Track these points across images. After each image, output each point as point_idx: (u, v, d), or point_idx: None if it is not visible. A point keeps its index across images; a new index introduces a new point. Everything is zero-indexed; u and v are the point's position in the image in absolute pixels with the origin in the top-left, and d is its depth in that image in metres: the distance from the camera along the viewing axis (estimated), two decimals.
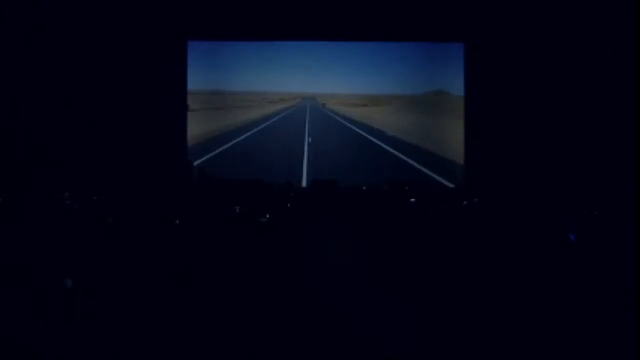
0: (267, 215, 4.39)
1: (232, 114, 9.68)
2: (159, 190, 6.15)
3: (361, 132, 10.35)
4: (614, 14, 7.10)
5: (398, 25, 8.10)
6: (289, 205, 5.26)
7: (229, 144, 9.47)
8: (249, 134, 9.90)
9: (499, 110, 7.99)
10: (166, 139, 8.00)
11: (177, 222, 4.17)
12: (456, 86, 8.82)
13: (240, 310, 2.65)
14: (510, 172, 7.56)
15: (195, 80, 8.81)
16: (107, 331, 2.44)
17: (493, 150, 7.99)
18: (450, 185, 8.45)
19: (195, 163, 8.43)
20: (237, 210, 4.74)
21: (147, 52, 7.81)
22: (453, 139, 8.80)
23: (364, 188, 7.05)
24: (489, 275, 2.97)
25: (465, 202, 5.81)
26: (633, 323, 2.36)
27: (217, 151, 9.23)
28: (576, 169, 7.18)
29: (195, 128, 8.92)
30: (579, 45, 7.50)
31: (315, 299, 2.77)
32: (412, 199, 5.61)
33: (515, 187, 6.74)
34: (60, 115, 7.45)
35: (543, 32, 7.62)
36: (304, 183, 8.52)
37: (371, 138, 9.97)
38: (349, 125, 10.75)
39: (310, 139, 9.78)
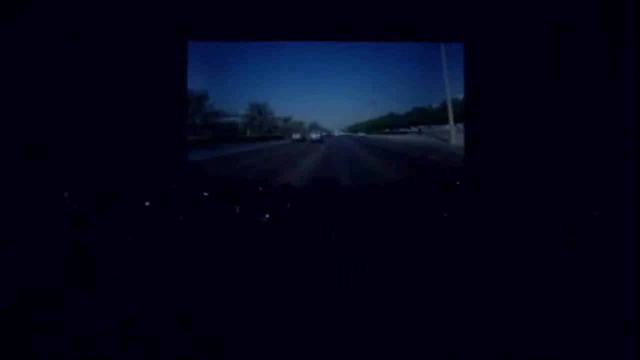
0: (267, 215, 4.38)
1: None
2: (158, 190, 6.14)
3: None
4: (614, 14, 7.09)
5: (397, 25, 8.09)
6: (288, 205, 5.25)
7: None
8: None
9: (498, 110, 7.99)
10: (166, 139, 8.00)
11: (177, 222, 4.16)
12: None
13: (240, 311, 2.65)
14: (510, 172, 7.56)
15: None
16: (107, 331, 2.44)
17: (493, 150, 7.99)
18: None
19: None
20: (237, 210, 4.73)
21: (147, 52, 7.81)
22: None
23: (364, 187, 7.03)
24: (489, 274, 2.98)
25: (464, 202, 5.80)
26: (633, 323, 2.36)
27: None
28: (576, 169, 7.18)
29: None
30: (579, 45, 7.50)
31: (316, 299, 2.77)
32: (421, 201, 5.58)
33: (514, 187, 6.73)
34: (60, 115, 7.45)
35: (543, 31, 7.62)
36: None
37: None
38: None
39: None
